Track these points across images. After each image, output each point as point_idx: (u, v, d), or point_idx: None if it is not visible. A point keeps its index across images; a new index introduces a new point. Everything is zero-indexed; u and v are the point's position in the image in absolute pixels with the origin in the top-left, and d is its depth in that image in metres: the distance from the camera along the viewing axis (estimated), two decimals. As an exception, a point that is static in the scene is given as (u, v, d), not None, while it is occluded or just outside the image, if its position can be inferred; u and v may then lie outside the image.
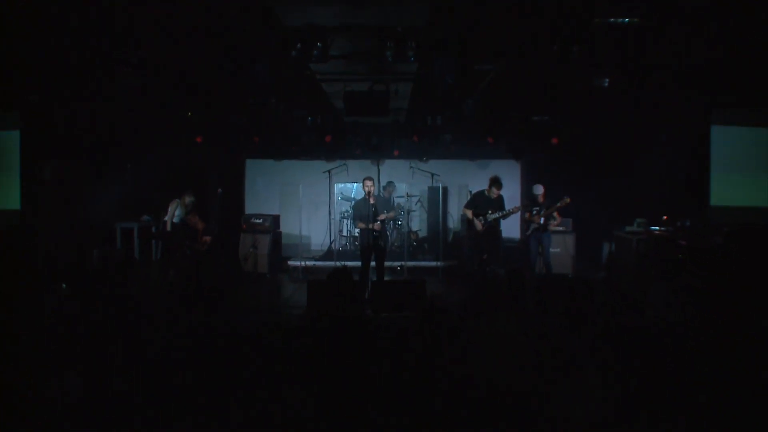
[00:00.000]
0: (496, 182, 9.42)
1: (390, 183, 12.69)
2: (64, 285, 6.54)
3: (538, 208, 9.60)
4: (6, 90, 7.96)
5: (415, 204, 13.40)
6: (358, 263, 8.85)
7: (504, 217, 9.56)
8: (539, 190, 9.64)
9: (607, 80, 7.77)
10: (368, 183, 8.47)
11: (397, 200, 12.79)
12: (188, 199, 10.25)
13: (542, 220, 9.51)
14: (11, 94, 8.08)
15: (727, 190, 8.55)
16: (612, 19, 5.07)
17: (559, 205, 9.28)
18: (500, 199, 9.52)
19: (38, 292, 6.65)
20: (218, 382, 4.37)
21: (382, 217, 8.47)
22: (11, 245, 8.26)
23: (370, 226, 8.42)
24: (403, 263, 11.21)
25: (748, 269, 7.33)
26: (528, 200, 10.05)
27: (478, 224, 9.34)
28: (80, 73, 7.58)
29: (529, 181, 13.85)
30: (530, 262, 10.07)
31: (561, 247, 11.23)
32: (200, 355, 4.84)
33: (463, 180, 13.85)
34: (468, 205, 9.66)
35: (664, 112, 9.06)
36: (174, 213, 10.21)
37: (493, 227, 9.59)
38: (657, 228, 9.97)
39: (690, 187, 9.28)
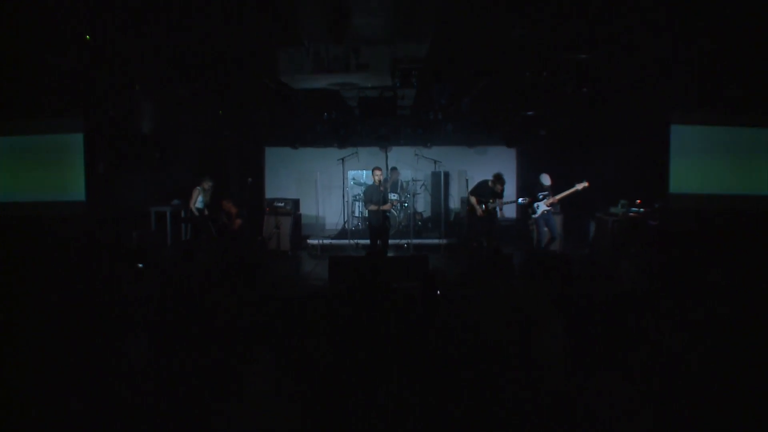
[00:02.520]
0: (500, 179, 10.72)
1: (394, 168, 14.07)
2: (140, 264, 7.90)
3: (545, 193, 10.75)
4: (72, 98, 9.38)
5: (420, 187, 14.70)
6: (368, 241, 10.42)
7: (501, 206, 10.97)
8: (547, 180, 10.82)
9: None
10: (378, 172, 9.96)
11: (404, 183, 14.15)
12: (207, 185, 11.51)
13: (550, 205, 10.76)
14: (76, 101, 9.49)
15: (684, 179, 9.93)
16: (574, 55, 6.40)
17: (578, 187, 10.41)
18: (501, 194, 10.91)
19: (109, 273, 7.92)
20: (265, 340, 5.57)
21: (390, 204, 9.94)
22: (79, 231, 9.76)
23: (382, 207, 9.92)
24: (409, 241, 12.52)
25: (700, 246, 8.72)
26: (535, 187, 11.03)
27: (479, 210, 10.74)
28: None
29: (525, 166, 15.18)
30: (540, 241, 11.21)
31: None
32: (250, 318, 6.07)
33: (463, 165, 15.11)
34: (473, 192, 11.02)
35: (632, 111, 10.44)
36: (196, 198, 11.48)
37: (491, 213, 10.99)
38: (635, 210, 11.27)
39: (655, 176, 10.62)
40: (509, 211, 15.29)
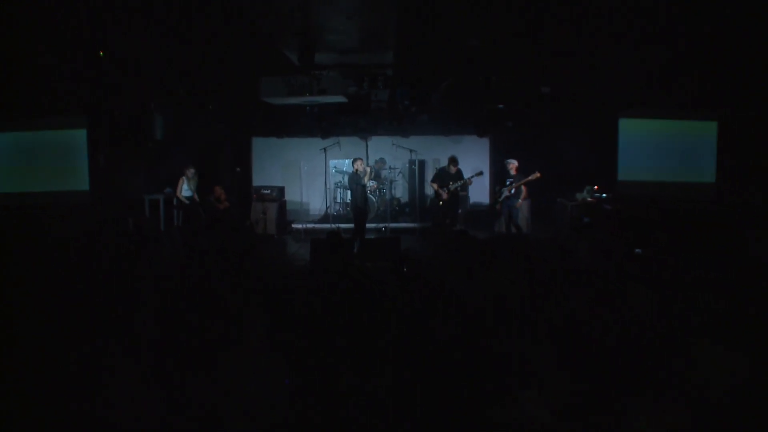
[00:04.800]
0: (453, 161, 11.74)
1: (381, 159, 15.01)
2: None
3: (511, 180, 11.33)
4: (75, 97, 10.26)
5: (397, 175, 15.61)
6: (349, 225, 11.41)
7: (463, 186, 11.92)
8: (510, 164, 11.46)
9: (548, 89, 10.17)
10: (359, 163, 10.98)
11: (383, 172, 15.05)
12: (190, 172, 12.18)
13: (513, 191, 11.27)
14: (79, 100, 10.38)
15: (631, 167, 10.98)
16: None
17: (530, 178, 11.09)
18: (459, 173, 11.85)
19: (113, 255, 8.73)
20: (255, 312, 6.34)
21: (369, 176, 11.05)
22: (85, 218, 10.67)
23: (365, 179, 10.94)
24: (387, 225, 13.50)
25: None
26: (503, 172, 11.74)
27: (443, 194, 11.71)
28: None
29: (498, 153, 16.07)
30: (501, 225, 12.03)
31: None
32: (243, 293, 6.83)
33: (439, 154, 15.81)
34: (434, 180, 12.00)
35: (588, 107, 11.47)
36: (182, 187, 12.20)
37: (455, 195, 11.96)
38: (597, 195, 12.24)
39: (604, 164, 11.65)
40: (483, 196, 16.28)
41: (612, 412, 4.33)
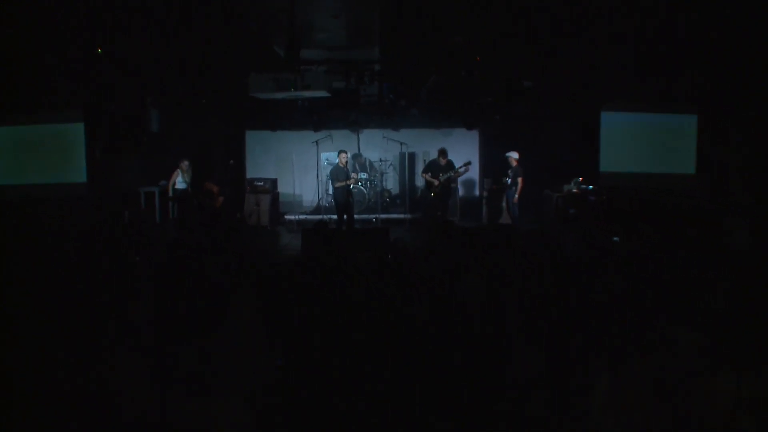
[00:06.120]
0: (443, 153, 12.10)
1: (358, 154, 15.24)
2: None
3: (511, 171, 11.81)
4: (72, 91, 10.52)
5: (388, 167, 15.92)
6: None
7: (455, 176, 12.24)
8: (511, 157, 11.90)
9: (530, 83, 10.48)
10: (343, 155, 11.26)
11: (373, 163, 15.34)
12: (184, 165, 12.33)
13: (509, 181, 11.83)
14: (76, 94, 10.64)
15: (613, 159, 11.31)
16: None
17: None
18: (449, 164, 12.17)
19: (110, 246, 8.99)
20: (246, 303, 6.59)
21: (354, 176, 11.27)
22: (82, 209, 10.95)
23: (347, 182, 11.15)
24: (377, 216, 13.82)
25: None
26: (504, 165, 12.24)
27: (434, 182, 12.03)
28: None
29: (487, 146, 16.38)
30: (500, 214, 12.53)
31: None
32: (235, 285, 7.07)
33: (429, 146, 16.14)
34: (425, 171, 12.33)
35: (572, 102, 11.79)
36: (175, 179, 12.39)
37: (446, 186, 12.27)
38: (583, 187, 12.57)
39: (589, 157, 11.97)
40: (473, 188, 16.59)
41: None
